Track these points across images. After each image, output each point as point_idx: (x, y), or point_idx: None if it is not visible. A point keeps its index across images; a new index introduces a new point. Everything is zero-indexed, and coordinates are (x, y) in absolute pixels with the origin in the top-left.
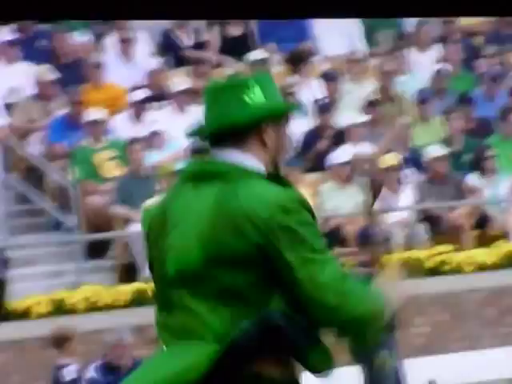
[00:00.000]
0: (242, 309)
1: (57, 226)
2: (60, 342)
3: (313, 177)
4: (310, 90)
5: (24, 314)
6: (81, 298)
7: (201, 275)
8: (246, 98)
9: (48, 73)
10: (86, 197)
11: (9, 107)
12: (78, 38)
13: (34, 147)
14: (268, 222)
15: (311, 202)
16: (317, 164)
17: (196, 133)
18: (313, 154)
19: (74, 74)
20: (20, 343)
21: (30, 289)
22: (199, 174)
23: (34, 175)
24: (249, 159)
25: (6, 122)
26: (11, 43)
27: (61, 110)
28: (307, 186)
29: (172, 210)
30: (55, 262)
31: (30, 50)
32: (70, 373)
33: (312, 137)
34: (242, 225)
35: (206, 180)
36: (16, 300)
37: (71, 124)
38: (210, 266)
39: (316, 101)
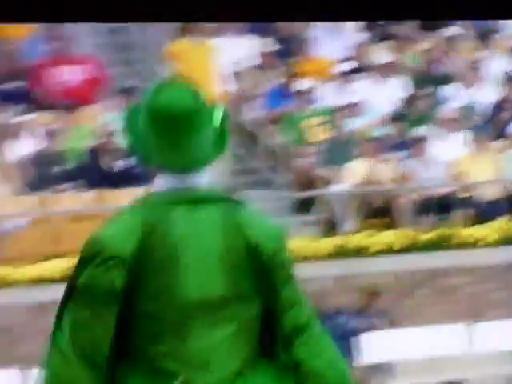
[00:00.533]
0: (255, 340)
1: (269, 184)
2: None
3: (498, 144)
4: (499, 63)
5: None
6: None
7: (223, 302)
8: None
9: (269, 45)
10: (294, 159)
11: (234, 75)
12: None
13: (253, 112)
14: (272, 259)
15: (495, 168)
16: (502, 132)
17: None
18: (498, 122)
19: (289, 47)
20: None
21: None
22: (193, 198)
23: (250, 138)
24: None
25: (231, 88)
26: None
27: (278, 80)
28: (492, 153)
29: (172, 236)
30: (268, 215)
31: (254, 26)
32: None
33: (498, 106)
34: (249, 256)
35: (201, 204)
36: None
37: (285, 92)
38: (232, 294)
39: (506, 73)
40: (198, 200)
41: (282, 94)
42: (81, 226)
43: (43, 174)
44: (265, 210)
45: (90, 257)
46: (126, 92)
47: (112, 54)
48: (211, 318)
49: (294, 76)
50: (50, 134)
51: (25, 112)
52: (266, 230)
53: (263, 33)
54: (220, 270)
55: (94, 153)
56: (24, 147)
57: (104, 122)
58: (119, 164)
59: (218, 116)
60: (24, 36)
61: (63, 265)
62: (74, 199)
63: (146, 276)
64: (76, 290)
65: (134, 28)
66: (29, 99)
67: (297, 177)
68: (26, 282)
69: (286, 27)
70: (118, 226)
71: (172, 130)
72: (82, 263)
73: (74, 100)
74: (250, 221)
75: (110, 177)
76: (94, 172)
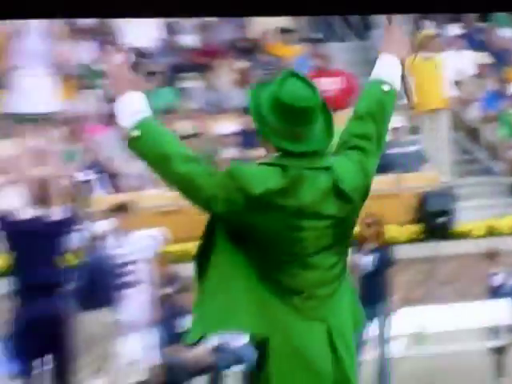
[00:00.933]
0: (345, 267)
1: (488, 171)
2: (491, 256)
3: None
4: None
5: (464, 235)
6: (505, 225)
7: (331, 247)
8: None
9: (484, 58)
10: (508, 150)
11: (457, 83)
12: (505, 33)
13: (473, 112)
14: (355, 197)
15: None
16: None
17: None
18: None
19: (502, 59)
20: (460, 257)
21: (469, 217)
22: (314, 166)
23: (472, 133)
24: None
25: (455, 94)
26: (459, 36)
27: (492, 86)
28: None
29: (302, 193)
30: (487, 197)
31: (471, 41)
32: (498, 279)
33: None
34: (344, 201)
35: (318, 171)
36: (459, 225)
37: (499, 96)
38: (337, 241)
39: None
40: (318, 168)
41: (496, 97)
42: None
43: None
44: (485, 193)
45: (230, 179)
46: None
47: (360, 68)
48: (323, 255)
49: (506, 82)
50: None
51: None
52: (354, 183)
53: (479, 48)
54: (329, 225)
55: None
56: None
57: None
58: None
59: (325, 108)
60: (294, 54)
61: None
62: None
63: (271, 216)
64: (211, 197)
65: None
66: None
67: (510, 165)
68: None
69: (499, 43)
70: (260, 170)
71: (298, 120)
72: (228, 179)
73: (332, 105)
74: (344, 177)
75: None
76: None
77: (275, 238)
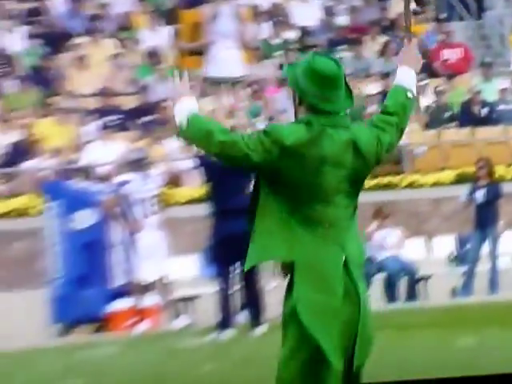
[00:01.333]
0: (355, 210)
1: None
2: None
3: None
4: None
5: None
6: None
7: (346, 189)
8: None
9: None
10: None
11: None
12: None
13: None
14: (371, 154)
15: None
16: None
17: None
18: None
19: None
20: None
21: None
22: (335, 124)
23: None
24: None
25: None
26: None
27: None
28: None
29: (324, 145)
30: None
31: None
32: None
33: None
34: (359, 156)
35: (339, 128)
36: None
37: None
38: (351, 187)
39: None
40: (338, 126)
41: None
42: (461, 151)
43: (437, 118)
44: None
45: (267, 135)
46: (485, 66)
47: (475, 42)
48: (341, 196)
49: None
50: (438, 93)
51: (422, 79)
52: (368, 145)
53: None
54: (346, 174)
55: (466, 104)
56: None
57: (472, 86)
58: (483, 110)
59: (346, 80)
60: (424, 31)
61: (451, 175)
62: (455, 134)
63: (299, 163)
64: (252, 151)
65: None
66: (429, 70)
67: None
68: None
69: None
70: (290, 127)
71: (327, 85)
72: (265, 135)
73: (453, 71)
74: (361, 138)
75: (477, 119)
76: (468, 115)
77: (303, 181)
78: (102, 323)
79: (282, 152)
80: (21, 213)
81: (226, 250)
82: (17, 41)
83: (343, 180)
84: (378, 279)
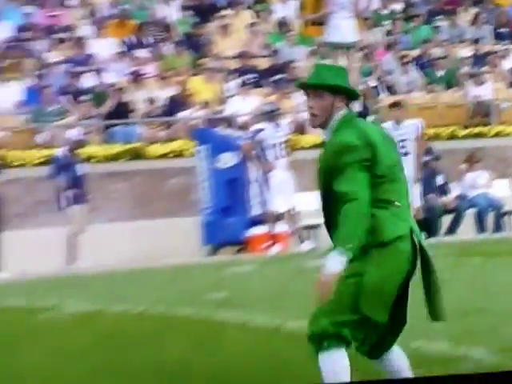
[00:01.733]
0: None
1: None
2: None
3: None
4: None
5: None
6: None
7: (398, 163)
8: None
9: None
10: None
11: None
12: None
13: None
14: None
15: None
16: None
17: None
18: None
19: None
20: None
21: None
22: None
23: None
24: None
25: None
26: None
27: None
28: None
29: (374, 136)
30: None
31: None
32: None
33: None
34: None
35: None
36: None
37: None
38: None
39: None
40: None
41: None
42: None
43: None
44: None
45: (348, 146)
46: None
47: None
48: (401, 175)
49: None
50: None
51: (505, 44)
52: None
53: None
54: (398, 161)
55: None
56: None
57: None
58: None
59: None
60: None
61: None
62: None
63: (375, 156)
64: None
65: None
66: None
67: None
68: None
69: None
70: (353, 134)
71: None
72: (345, 150)
73: None
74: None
75: None
76: None
77: (382, 165)
78: (242, 245)
79: (371, 150)
80: (177, 154)
81: None
82: (173, 12)
83: (398, 164)
84: (470, 213)
